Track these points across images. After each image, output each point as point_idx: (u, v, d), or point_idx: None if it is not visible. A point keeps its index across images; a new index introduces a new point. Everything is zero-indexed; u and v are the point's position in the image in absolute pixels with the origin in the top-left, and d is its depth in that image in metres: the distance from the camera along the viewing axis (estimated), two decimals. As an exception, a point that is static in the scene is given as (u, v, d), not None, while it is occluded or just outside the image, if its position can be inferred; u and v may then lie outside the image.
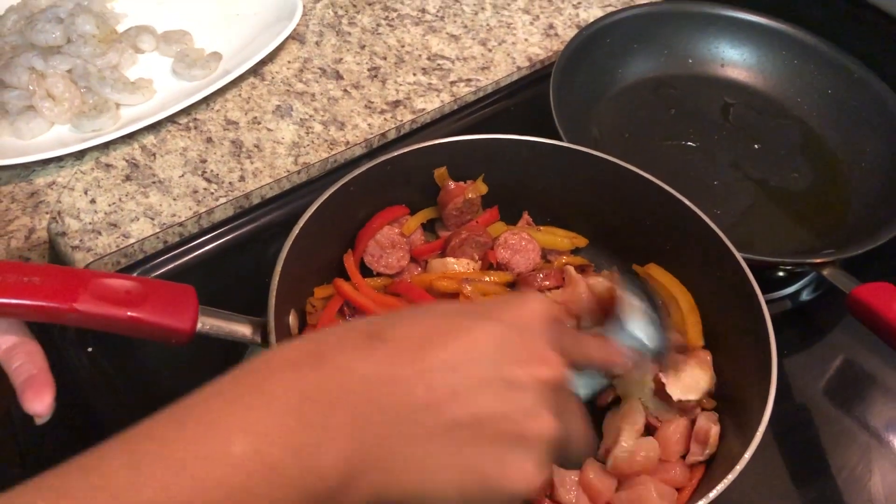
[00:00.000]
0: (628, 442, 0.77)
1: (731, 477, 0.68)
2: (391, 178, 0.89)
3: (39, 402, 0.60)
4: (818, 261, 0.92)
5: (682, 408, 0.81)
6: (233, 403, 0.45)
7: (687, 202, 0.87)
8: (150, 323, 0.64)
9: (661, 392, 0.82)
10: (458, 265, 0.89)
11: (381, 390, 0.48)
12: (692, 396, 0.80)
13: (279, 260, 0.76)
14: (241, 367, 0.48)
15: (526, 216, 0.97)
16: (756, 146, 1.15)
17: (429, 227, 0.96)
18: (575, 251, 0.96)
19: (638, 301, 0.70)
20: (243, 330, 0.72)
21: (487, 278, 0.89)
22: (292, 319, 0.81)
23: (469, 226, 0.92)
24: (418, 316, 0.54)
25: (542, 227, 0.96)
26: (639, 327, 0.68)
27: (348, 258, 0.88)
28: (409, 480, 0.48)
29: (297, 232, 0.79)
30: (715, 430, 0.78)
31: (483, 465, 0.50)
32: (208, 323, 0.68)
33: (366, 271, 0.90)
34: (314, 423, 0.45)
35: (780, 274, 1.01)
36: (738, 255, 0.82)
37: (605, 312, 0.82)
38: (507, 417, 0.50)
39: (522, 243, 0.92)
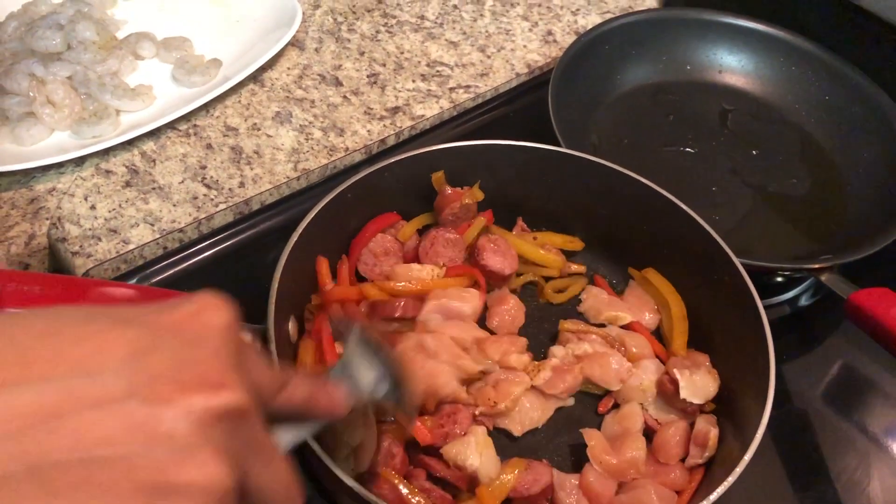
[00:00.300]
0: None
1: (730, 479, 0.68)
2: (389, 184, 0.90)
3: None
4: (816, 266, 0.92)
5: (683, 410, 0.81)
6: None
7: (686, 208, 0.87)
8: None
9: (663, 394, 0.82)
10: (422, 272, 0.87)
11: None
12: (699, 400, 0.80)
13: (278, 267, 0.76)
14: None
15: (520, 223, 0.98)
16: (754, 152, 1.16)
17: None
18: (570, 255, 0.97)
19: (355, 341, 0.63)
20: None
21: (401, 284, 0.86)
22: (291, 326, 0.81)
23: (439, 227, 0.92)
24: (18, 317, 0.38)
25: (536, 234, 0.96)
26: (363, 368, 0.62)
27: (342, 266, 0.88)
28: None
29: (295, 239, 0.79)
30: (714, 432, 0.78)
31: None
32: None
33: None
34: None
35: (779, 279, 1.02)
36: (737, 261, 0.83)
37: None
38: (142, 458, 0.34)
39: (498, 246, 0.92)
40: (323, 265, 0.86)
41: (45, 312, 0.39)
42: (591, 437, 0.79)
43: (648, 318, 0.91)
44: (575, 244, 0.96)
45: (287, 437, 0.51)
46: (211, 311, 0.41)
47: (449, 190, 0.92)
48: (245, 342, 0.43)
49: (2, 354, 0.35)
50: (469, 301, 0.86)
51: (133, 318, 0.39)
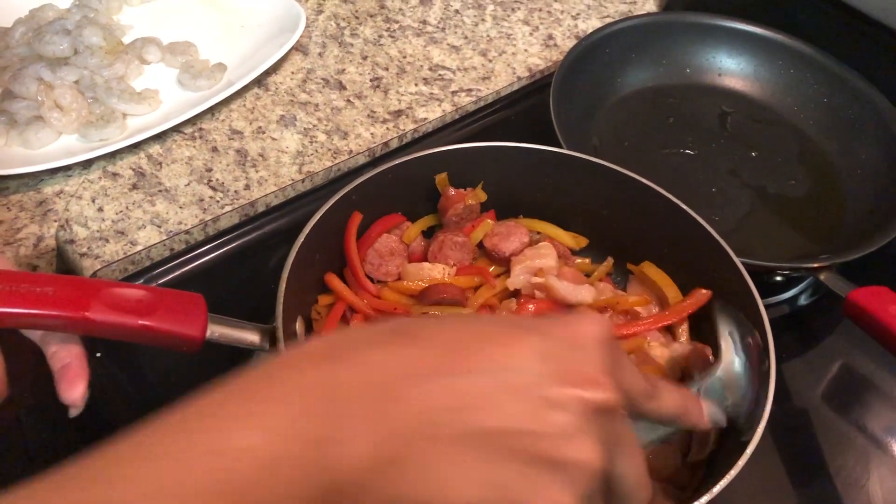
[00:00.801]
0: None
1: (733, 472, 0.68)
2: (393, 186, 0.90)
3: (71, 392, 0.61)
4: (815, 265, 0.93)
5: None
6: (246, 399, 0.43)
7: (686, 208, 0.88)
8: (162, 331, 0.65)
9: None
10: (434, 270, 0.89)
11: (403, 386, 0.44)
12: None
13: (285, 267, 0.77)
14: (255, 365, 0.45)
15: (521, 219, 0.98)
16: (753, 154, 1.17)
17: (429, 234, 0.96)
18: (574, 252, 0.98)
19: (740, 358, 0.65)
20: (252, 337, 0.72)
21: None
22: (299, 326, 0.82)
23: (446, 230, 0.93)
24: (455, 320, 0.51)
25: (541, 229, 0.97)
26: (737, 389, 0.63)
27: (355, 270, 0.89)
28: (426, 489, 0.43)
29: (302, 240, 0.80)
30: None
31: (509, 484, 0.44)
32: (217, 331, 0.69)
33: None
34: (331, 418, 0.42)
35: (778, 279, 1.02)
36: (737, 260, 0.83)
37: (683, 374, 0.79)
38: (542, 435, 0.44)
39: (509, 229, 0.93)
40: (333, 280, 0.87)
41: (478, 320, 0.52)
42: None
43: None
44: (579, 240, 0.97)
45: (650, 435, 0.59)
46: (592, 326, 0.49)
47: (452, 191, 0.92)
48: (622, 354, 0.51)
49: (456, 350, 0.46)
50: (548, 255, 0.90)
51: (537, 329, 0.48)
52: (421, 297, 0.86)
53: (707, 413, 0.60)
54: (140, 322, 0.63)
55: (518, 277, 0.89)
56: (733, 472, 0.69)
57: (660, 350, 0.86)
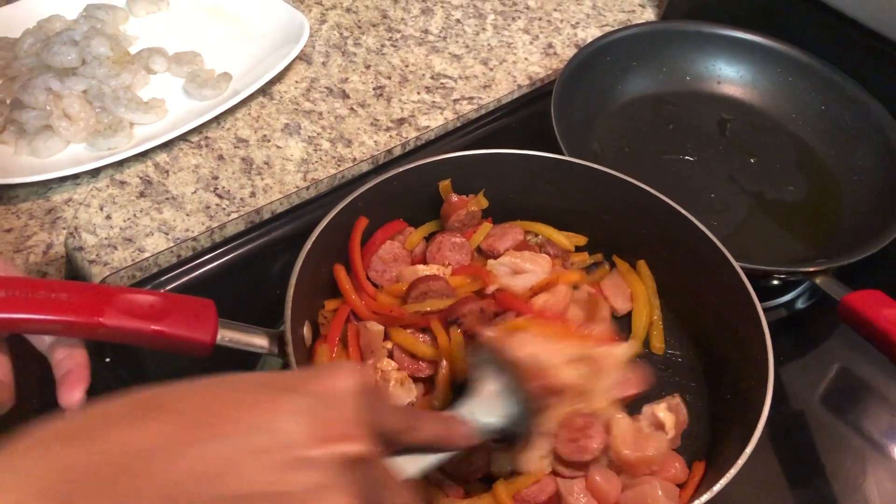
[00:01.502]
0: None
1: (732, 472, 0.70)
2: (397, 193, 0.91)
3: (70, 396, 0.62)
4: (811, 269, 0.94)
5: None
6: None
7: (686, 213, 0.89)
8: (173, 336, 0.66)
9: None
10: (428, 270, 0.90)
11: (145, 462, 0.42)
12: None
13: (293, 273, 0.78)
14: (6, 442, 0.43)
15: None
16: (752, 160, 1.18)
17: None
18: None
19: (492, 381, 0.68)
20: (261, 342, 0.74)
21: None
22: (306, 331, 0.83)
23: (445, 232, 0.94)
24: (210, 386, 0.48)
25: (539, 231, 0.98)
26: (495, 406, 0.67)
27: (359, 275, 0.89)
28: None
29: (309, 245, 0.81)
30: (663, 409, 0.82)
31: None
32: (227, 335, 0.70)
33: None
34: (65, 500, 0.40)
35: (775, 282, 1.03)
36: (736, 264, 0.85)
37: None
38: (290, 496, 0.44)
39: (504, 229, 0.95)
40: (341, 272, 0.88)
41: (230, 384, 0.49)
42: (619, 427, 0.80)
43: (621, 304, 0.94)
44: (575, 240, 0.98)
45: (418, 465, 0.60)
46: (344, 378, 0.50)
47: (455, 198, 0.94)
48: (378, 398, 0.52)
49: (205, 418, 0.45)
50: (540, 265, 0.90)
51: (289, 386, 0.49)
52: (408, 293, 0.86)
53: (472, 432, 0.63)
54: (152, 327, 0.64)
55: (499, 266, 0.90)
56: (733, 472, 0.70)
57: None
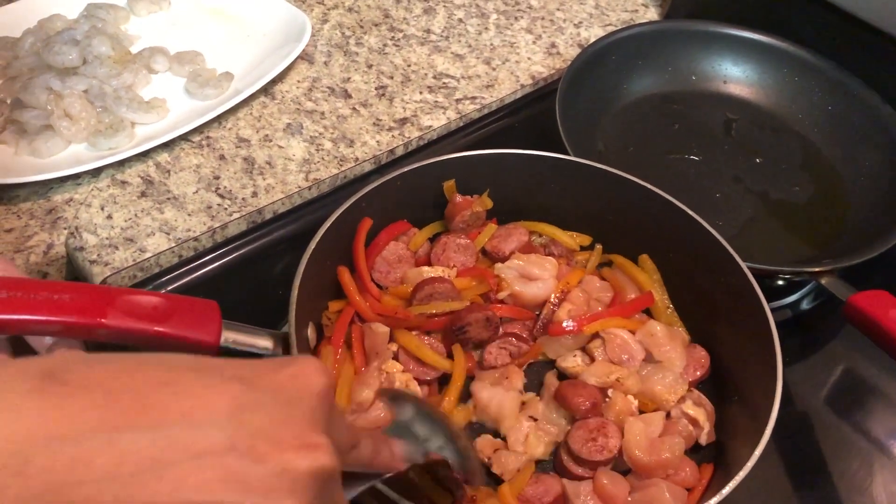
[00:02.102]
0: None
1: (742, 474, 0.69)
2: (401, 193, 0.91)
3: None
4: (817, 270, 0.94)
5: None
6: None
7: (692, 213, 0.89)
8: (177, 337, 0.65)
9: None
10: (433, 273, 0.89)
11: (35, 453, 0.34)
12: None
13: (297, 275, 0.78)
14: None
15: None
16: (757, 160, 1.18)
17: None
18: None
19: (408, 410, 0.64)
20: (265, 343, 0.72)
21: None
22: (311, 332, 0.83)
23: (450, 234, 0.94)
24: (134, 361, 0.40)
25: (542, 231, 0.98)
26: (419, 430, 0.63)
27: (363, 276, 0.89)
28: None
29: (313, 247, 0.81)
30: (691, 406, 0.82)
31: None
32: (231, 337, 0.69)
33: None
34: None
35: (780, 283, 1.03)
36: (743, 264, 0.84)
37: None
38: None
39: (508, 230, 0.95)
40: (345, 274, 0.87)
41: (161, 360, 0.40)
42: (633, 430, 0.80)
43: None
44: (580, 240, 0.97)
45: (350, 488, 0.55)
46: (310, 375, 0.42)
47: (459, 198, 0.93)
48: (335, 406, 0.44)
49: (123, 400, 0.37)
50: (548, 269, 0.89)
51: (240, 376, 0.40)
52: (413, 295, 0.86)
53: (399, 454, 0.58)
54: (155, 328, 0.63)
55: (507, 270, 0.90)
56: (742, 474, 0.70)
57: None
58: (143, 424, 0.36)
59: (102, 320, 0.61)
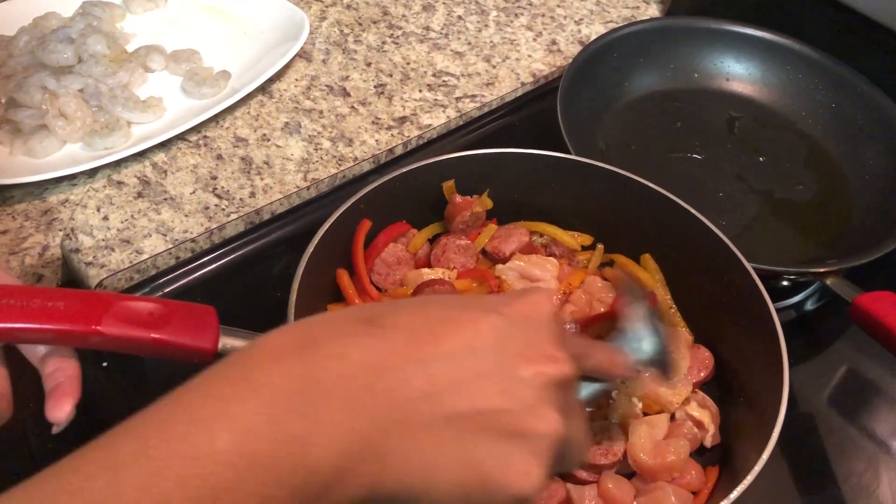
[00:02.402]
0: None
1: (749, 478, 0.68)
2: (400, 194, 0.90)
3: (58, 411, 0.60)
4: (822, 270, 0.93)
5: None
6: (217, 397, 0.43)
7: (695, 212, 0.88)
8: (174, 344, 0.63)
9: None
10: (434, 275, 0.88)
11: (377, 378, 0.45)
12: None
13: (296, 277, 0.77)
14: (227, 359, 0.46)
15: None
16: (761, 159, 1.17)
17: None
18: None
19: (641, 310, 0.70)
20: None
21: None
22: None
23: (450, 234, 0.93)
24: (419, 304, 0.53)
25: (543, 231, 0.97)
26: (643, 337, 0.69)
27: (362, 278, 0.88)
28: (407, 474, 0.45)
29: (311, 249, 0.80)
30: (696, 408, 0.82)
31: (484, 460, 0.46)
32: (230, 343, 0.67)
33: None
34: (304, 414, 0.43)
35: (784, 283, 1.02)
36: (747, 264, 0.83)
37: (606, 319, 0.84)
38: (510, 412, 0.47)
39: (509, 230, 0.94)
40: (344, 277, 0.86)
41: (439, 302, 0.55)
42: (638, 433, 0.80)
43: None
44: (581, 240, 0.96)
45: (582, 394, 0.63)
46: (541, 303, 0.54)
47: (459, 199, 0.92)
48: (562, 323, 0.58)
49: (422, 336, 0.48)
50: (550, 271, 0.89)
51: (490, 307, 0.52)
52: (413, 296, 0.85)
53: (629, 363, 0.66)
54: (152, 335, 0.62)
55: (508, 271, 0.89)
56: (750, 478, 0.69)
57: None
58: (439, 355, 0.47)
59: (97, 328, 0.60)
